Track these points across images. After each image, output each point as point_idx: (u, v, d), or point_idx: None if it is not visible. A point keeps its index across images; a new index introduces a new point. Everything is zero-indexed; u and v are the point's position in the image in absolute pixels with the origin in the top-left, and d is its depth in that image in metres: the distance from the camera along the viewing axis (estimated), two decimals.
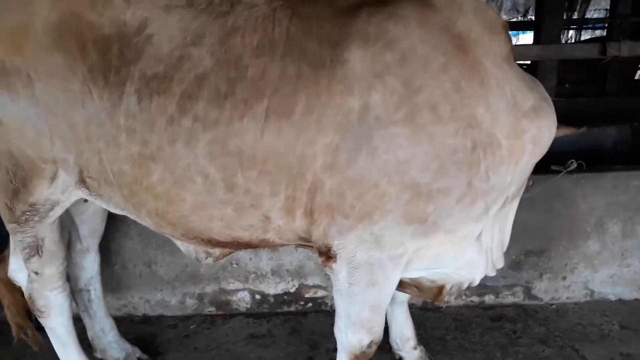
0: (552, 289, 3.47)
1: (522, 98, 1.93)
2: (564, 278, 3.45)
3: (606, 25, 9.15)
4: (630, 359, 2.92)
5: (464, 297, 3.47)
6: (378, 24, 1.85)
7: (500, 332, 3.20)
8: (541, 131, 1.96)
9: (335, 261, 2.01)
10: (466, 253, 2.13)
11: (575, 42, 10.90)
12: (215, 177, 1.90)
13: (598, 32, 12.28)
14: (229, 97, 1.84)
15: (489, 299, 3.48)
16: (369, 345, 2.17)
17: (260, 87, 1.83)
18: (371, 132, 1.80)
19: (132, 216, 2.23)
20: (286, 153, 1.85)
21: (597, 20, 9.27)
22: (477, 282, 2.31)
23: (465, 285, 2.34)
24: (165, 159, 1.91)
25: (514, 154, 1.92)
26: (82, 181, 2.14)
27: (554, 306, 3.46)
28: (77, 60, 1.95)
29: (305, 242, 2.13)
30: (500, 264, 2.30)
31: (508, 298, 3.47)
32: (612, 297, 3.48)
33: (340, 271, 2.03)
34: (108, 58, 1.92)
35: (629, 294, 3.48)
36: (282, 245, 2.20)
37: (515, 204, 2.21)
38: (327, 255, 2.02)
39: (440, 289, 2.35)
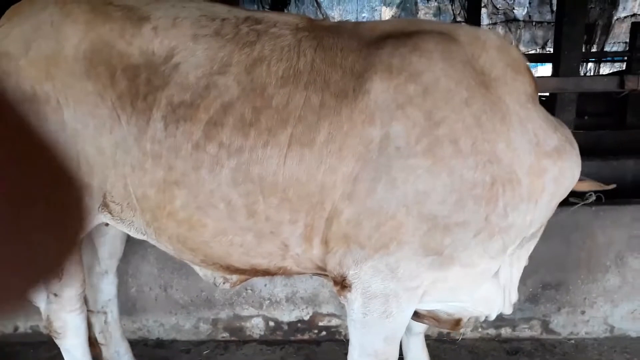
0: (571, 324, 3.40)
1: (545, 138, 1.95)
2: (583, 312, 3.38)
3: (625, 58, 9.16)
4: None
5: (480, 329, 3.42)
6: (402, 56, 1.89)
7: None
8: (563, 172, 1.97)
9: (350, 291, 2.01)
10: (482, 288, 2.12)
11: (594, 75, 10.90)
12: (237, 203, 1.93)
13: (617, 65, 12.27)
14: (254, 125, 1.89)
15: (505, 331, 3.42)
16: None
17: (284, 116, 1.88)
18: (391, 163, 1.82)
19: (152, 241, 2.27)
20: (307, 181, 1.87)
21: (616, 53, 9.26)
22: (493, 316, 2.30)
23: (483, 319, 2.32)
24: (189, 185, 1.95)
25: (533, 192, 1.93)
26: (105, 205, 2.18)
27: (572, 341, 3.38)
28: (107, 87, 2.01)
29: (322, 271, 2.14)
30: (515, 299, 2.28)
31: (525, 331, 3.42)
32: (633, 334, 3.40)
33: (354, 301, 2.03)
34: (136, 85, 1.99)
35: None
36: (300, 273, 2.22)
37: (532, 244, 2.20)
38: (342, 284, 2.02)
39: (458, 321, 2.35)
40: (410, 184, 1.82)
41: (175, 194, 1.99)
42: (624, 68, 10.21)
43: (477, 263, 1.98)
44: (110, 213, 2.21)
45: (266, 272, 2.18)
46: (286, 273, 2.19)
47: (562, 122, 2.13)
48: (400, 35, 1.99)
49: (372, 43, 1.98)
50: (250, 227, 1.97)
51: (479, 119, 1.86)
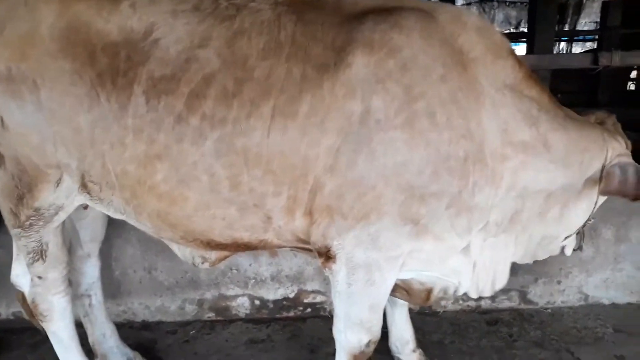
0: (547, 293, 3.52)
1: (515, 128, 1.99)
2: (559, 282, 3.51)
3: (597, 37, 9.33)
4: None
5: (460, 301, 3.51)
6: (382, 32, 1.93)
7: (496, 335, 3.24)
8: (524, 167, 2.00)
9: (334, 262, 2.06)
10: (452, 259, 2.20)
11: (567, 53, 11.08)
12: (220, 175, 1.95)
13: (589, 45, 12.50)
14: (237, 96, 1.90)
15: (485, 303, 3.52)
16: (368, 345, 2.21)
17: (266, 88, 1.90)
18: (371, 135, 1.87)
19: (131, 220, 2.26)
20: (291, 153, 1.90)
21: (588, 32, 9.45)
22: (462, 290, 2.36)
23: (452, 291, 2.40)
24: (172, 157, 1.96)
25: (495, 177, 1.99)
26: (83, 186, 2.17)
27: (549, 310, 3.51)
28: (85, 65, 1.99)
29: (302, 243, 2.18)
30: (486, 294, 2.37)
31: (504, 302, 3.52)
32: (606, 301, 3.54)
33: (339, 272, 2.08)
34: (116, 62, 1.97)
35: (621, 298, 3.54)
36: (280, 246, 2.25)
37: (510, 242, 2.24)
38: (326, 255, 2.06)
39: (429, 292, 2.43)
40: (390, 156, 1.88)
41: (156, 168, 1.99)
42: (595, 47, 10.42)
43: (445, 237, 2.05)
44: (89, 193, 2.20)
45: (247, 246, 2.20)
46: (267, 246, 2.22)
47: (588, 131, 2.10)
48: (381, 11, 2.02)
49: (353, 18, 2.00)
50: (233, 199, 1.99)
51: (454, 95, 1.92)
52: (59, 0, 2.03)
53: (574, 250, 2.47)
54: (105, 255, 3.12)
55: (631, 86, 9.00)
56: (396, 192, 1.91)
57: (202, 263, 2.48)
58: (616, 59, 3.30)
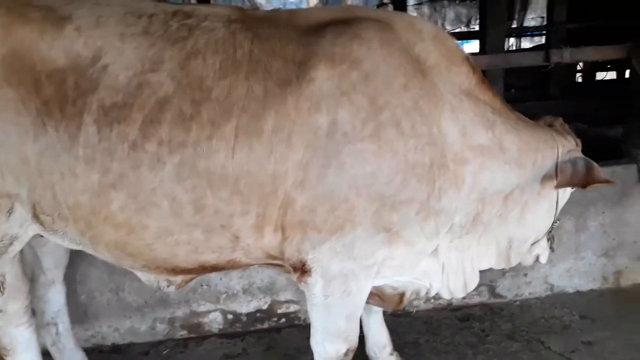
0: (515, 286, 3.62)
1: (473, 132, 2.06)
2: (525, 275, 3.61)
3: (544, 32, 9.67)
4: (591, 346, 3.08)
5: (432, 300, 3.56)
6: (343, 45, 1.94)
7: (469, 331, 3.31)
8: (483, 169, 2.07)
9: (310, 275, 2.05)
10: (422, 263, 2.24)
11: (517, 49, 11.44)
12: (182, 199, 1.90)
13: (537, 39, 12.92)
14: (195, 118, 1.86)
15: (456, 300, 3.58)
16: (346, 354, 2.22)
17: (226, 107, 1.87)
18: (339, 148, 1.88)
19: (88, 250, 2.19)
20: (258, 171, 1.88)
21: (536, 28, 9.77)
22: (433, 292, 2.42)
23: (423, 293, 2.46)
24: (127, 186, 1.90)
25: (457, 180, 2.05)
26: (35, 217, 2.08)
27: (517, 302, 3.60)
28: (30, 93, 1.91)
29: (272, 259, 2.16)
30: (458, 295, 2.43)
31: (474, 298, 3.59)
32: (570, 290, 3.67)
33: (315, 285, 2.08)
34: (63, 90, 1.90)
35: (584, 285, 3.67)
36: (248, 264, 2.23)
37: (474, 242, 2.30)
38: (302, 270, 2.06)
39: (401, 296, 2.47)
40: (359, 167, 1.89)
41: (111, 197, 1.93)
42: (542, 42, 10.80)
43: (416, 242, 2.09)
44: (42, 224, 2.10)
45: (214, 268, 2.16)
46: (235, 266, 2.19)
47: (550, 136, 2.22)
48: (338, 24, 2.03)
49: (310, 32, 2.01)
50: (197, 222, 1.95)
51: (416, 102, 1.96)
52: (0, 25, 1.93)
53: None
54: (70, 279, 3.01)
55: (579, 79, 9.35)
56: (368, 202, 1.92)
57: (168, 286, 2.41)
58: (566, 55, 3.43)
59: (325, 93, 1.89)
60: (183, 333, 3.40)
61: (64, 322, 2.73)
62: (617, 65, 7.92)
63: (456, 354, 3.08)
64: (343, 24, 2.01)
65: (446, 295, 2.40)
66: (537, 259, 2.56)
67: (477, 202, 2.16)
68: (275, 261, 2.15)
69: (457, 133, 2.03)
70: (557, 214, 2.38)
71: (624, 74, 7.71)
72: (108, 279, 3.25)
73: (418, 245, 2.09)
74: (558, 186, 2.20)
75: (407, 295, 2.43)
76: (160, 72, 1.89)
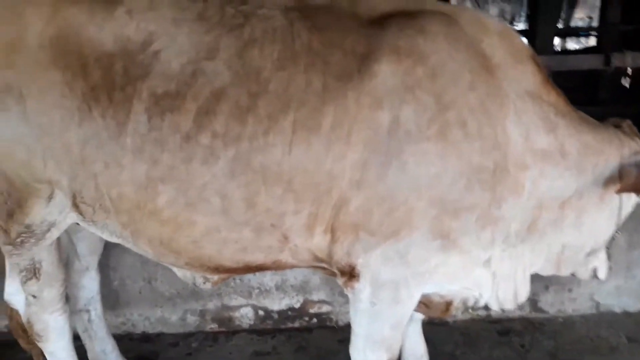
0: (558, 302, 3.44)
1: (536, 136, 1.94)
2: (570, 290, 3.43)
3: (591, 34, 9.30)
4: None
5: (470, 310, 3.41)
6: (408, 38, 1.84)
7: (508, 346, 3.17)
8: (543, 176, 1.96)
9: (358, 280, 1.97)
10: (474, 273, 2.12)
11: (562, 51, 11.04)
12: (234, 196, 1.83)
13: (583, 40, 12.47)
14: (252, 111, 1.78)
15: (495, 312, 3.43)
16: None
17: (284, 101, 1.78)
18: (401, 147, 1.79)
19: (128, 245, 2.12)
20: (315, 169, 1.80)
21: (589, 29, 9.41)
22: (482, 302, 2.29)
23: (471, 302, 2.33)
24: (177, 179, 1.82)
25: (518, 186, 1.93)
26: (74, 206, 2.02)
27: (560, 319, 3.43)
28: (77, 77, 1.84)
29: (318, 262, 2.07)
30: (508, 306, 2.29)
31: (515, 311, 3.42)
32: (618, 309, 3.47)
33: (362, 290, 1.98)
34: (112, 75, 1.83)
35: (634, 306, 3.46)
36: (293, 266, 2.14)
37: (527, 251, 2.16)
38: (350, 274, 1.96)
39: (448, 304, 2.35)
40: (422, 168, 1.80)
41: (159, 190, 1.86)
42: (588, 43, 10.40)
43: (471, 250, 1.99)
44: (81, 214, 2.04)
45: (259, 268, 2.09)
46: (280, 267, 2.11)
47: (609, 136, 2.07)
48: (402, 16, 1.92)
49: (372, 23, 1.91)
50: (247, 220, 1.88)
51: (482, 102, 1.86)
52: (48, 5, 1.87)
53: None
54: (103, 265, 2.97)
55: (625, 83, 8.96)
56: (429, 206, 1.83)
57: (204, 283, 2.34)
58: (628, 59, 3.22)
59: (389, 89, 1.79)
60: (213, 326, 3.35)
61: (96, 310, 2.70)
62: None
63: None
64: (407, 16, 1.90)
65: (495, 307, 2.27)
66: (594, 273, 2.38)
67: (534, 209, 2.03)
68: (321, 264, 2.07)
69: (519, 136, 1.91)
70: (619, 223, 2.21)
71: None
72: (141, 267, 3.23)
73: (473, 253, 1.99)
74: (621, 190, 2.06)
75: (455, 304, 2.31)
76: (216, 60, 1.81)
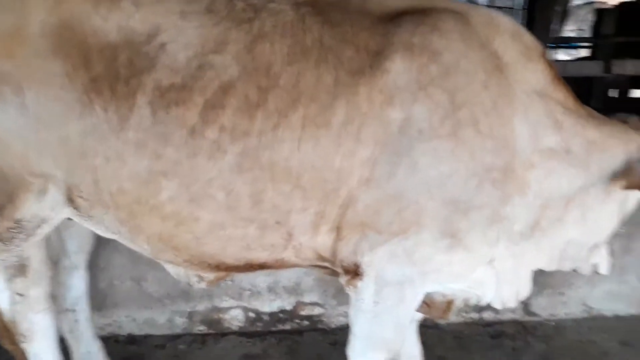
0: (551, 305, 3.44)
1: (543, 135, 1.93)
2: (562, 294, 3.43)
3: (583, 45, 9.38)
4: None
5: (463, 313, 3.39)
6: (422, 36, 1.82)
7: (501, 350, 3.15)
8: (549, 175, 1.95)
9: (361, 279, 1.93)
10: (477, 272, 2.10)
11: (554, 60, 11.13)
12: (240, 192, 1.79)
13: (573, 52, 12.61)
14: (261, 106, 1.75)
15: (488, 315, 3.42)
16: None
17: (295, 96, 1.75)
18: (413, 145, 1.77)
19: (124, 241, 2.07)
20: (323, 166, 1.77)
21: (582, 39, 9.54)
22: (485, 301, 2.26)
23: (474, 301, 2.30)
24: (181, 174, 1.78)
25: (524, 185, 1.93)
26: (70, 200, 1.96)
27: (552, 323, 3.42)
28: (78, 68, 1.79)
29: (321, 261, 2.04)
30: (510, 305, 2.27)
31: (507, 314, 3.42)
32: (609, 314, 3.47)
33: (365, 289, 1.95)
34: (115, 68, 1.78)
35: (625, 310, 3.47)
36: (295, 265, 2.10)
37: (530, 249, 2.14)
38: (354, 273, 1.93)
39: (449, 304, 2.33)
40: (434, 167, 1.78)
41: (162, 186, 1.81)
42: (580, 54, 10.49)
43: (477, 249, 1.96)
44: (77, 209, 1.99)
45: (261, 266, 2.04)
46: (282, 265, 2.06)
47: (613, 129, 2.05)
48: (415, 13, 1.91)
49: (385, 19, 1.89)
50: (253, 217, 1.84)
51: (495, 102, 1.85)
52: None
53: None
54: (91, 264, 2.90)
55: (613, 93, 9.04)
56: (440, 206, 1.81)
57: (199, 282, 2.29)
58: (629, 67, 3.24)
59: (401, 86, 1.77)
60: (202, 328, 3.29)
61: (83, 310, 2.62)
62: None
63: None
64: (420, 13, 1.89)
65: (498, 305, 2.24)
66: (595, 269, 2.36)
67: (539, 208, 2.01)
68: (323, 263, 2.03)
69: (527, 136, 1.90)
70: (624, 216, 2.20)
71: None
72: (131, 267, 3.15)
73: (478, 252, 1.96)
74: (626, 187, 2.03)
75: (457, 303, 2.30)
76: (224, 54, 1.77)
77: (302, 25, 1.83)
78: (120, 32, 1.80)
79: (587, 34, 10.98)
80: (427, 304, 2.32)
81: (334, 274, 2.19)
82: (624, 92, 8.27)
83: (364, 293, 1.96)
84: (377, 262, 1.89)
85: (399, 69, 1.78)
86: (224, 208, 1.82)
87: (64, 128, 1.82)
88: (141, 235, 1.96)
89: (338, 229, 1.88)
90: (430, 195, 1.79)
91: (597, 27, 6.58)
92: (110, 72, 1.78)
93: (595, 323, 3.40)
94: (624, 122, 2.20)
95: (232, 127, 1.75)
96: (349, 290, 2.01)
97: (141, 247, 2.03)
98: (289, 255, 1.97)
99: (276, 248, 1.93)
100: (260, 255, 1.96)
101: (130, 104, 1.77)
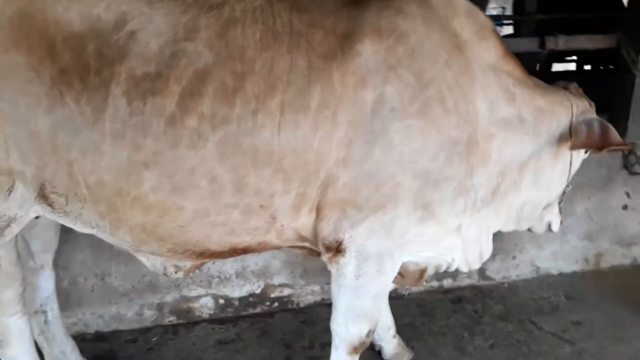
0: (504, 269, 3.69)
1: (498, 107, 2.07)
2: (514, 257, 3.68)
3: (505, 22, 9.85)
4: (580, 326, 3.20)
5: (424, 282, 3.56)
6: (389, 18, 1.88)
7: (463, 313, 3.35)
8: (506, 143, 2.09)
9: (343, 255, 2.00)
10: (447, 239, 2.23)
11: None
12: (223, 179, 1.79)
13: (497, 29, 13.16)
14: (239, 92, 1.75)
15: (447, 282, 3.62)
16: (368, 335, 2.20)
17: (271, 81, 1.76)
18: (386, 125, 1.83)
19: (103, 235, 2.02)
20: (304, 149, 1.80)
21: (507, 17, 9.98)
22: (454, 266, 2.41)
23: (444, 268, 2.45)
24: (163, 164, 1.76)
25: (485, 155, 2.06)
26: (43, 197, 1.90)
27: (505, 284, 3.67)
28: (44, 60, 1.72)
29: (302, 241, 2.09)
30: (475, 266, 2.44)
31: (464, 280, 3.64)
32: (554, 272, 3.77)
33: (347, 265, 2.03)
34: (84, 58, 1.72)
35: (567, 267, 3.78)
36: (277, 247, 2.15)
37: (490, 214, 2.30)
38: (335, 250, 2.00)
39: (422, 272, 2.47)
40: (407, 144, 1.86)
41: (143, 177, 1.79)
42: (503, 32, 11.00)
43: (446, 220, 2.09)
44: (50, 206, 1.92)
45: (245, 251, 2.07)
46: (265, 248, 2.10)
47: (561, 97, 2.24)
48: None
49: (351, 4, 1.94)
50: (236, 203, 1.85)
51: (457, 80, 1.95)
52: None
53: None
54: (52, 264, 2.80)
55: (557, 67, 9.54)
56: (413, 180, 1.90)
57: (176, 272, 2.28)
58: (561, 43, 3.47)
59: (371, 68, 1.82)
60: (172, 319, 3.26)
61: (53, 310, 2.54)
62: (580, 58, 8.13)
63: (453, 335, 3.12)
64: None
65: (464, 268, 2.40)
66: (549, 227, 2.57)
67: (497, 175, 2.17)
68: (303, 243, 2.09)
69: (485, 109, 2.04)
70: (569, 178, 2.41)
71: (582, 66, 7.94)
72: (93, 264, 3.06)
73: (448, 222, 2.09)
74: (573, 147, 2.23)
75: (429, 271, 2.43)
76: (196, 41, 1.76)
77: (270, 10, 1.85)
78: (84, 21, 1.74)
79: (509, 12, 11.49)
80: (401, 274, 2.44)
81: (311, 253, 2.26)
82: (548, 67, 8.83)
83: (346, 269, 2.04)
84: (358, 238, 1.97)
85: (368, 51, 1.83)
86: (208, 195, 1.82)
87: (33, 122, 1.75)
88: (122, 228, 1.92)
89: (318, 209, 1.94)
90: (404, 170, 1.88)
91: (520, 5, 6.93)
92: (80, 63, 1.73)
93: (544, 281, 3.69)
94: (566, 89, 2.41)
95: (211, 114, 1.74)
96: (331, 267, 2.09)
97: (122, 239, 1.99)
98: (271, 237, 2.01)
99: (259, 231, 1.96)
100: (244, 240, 1.98)
101: (104, 95, 1.73)
